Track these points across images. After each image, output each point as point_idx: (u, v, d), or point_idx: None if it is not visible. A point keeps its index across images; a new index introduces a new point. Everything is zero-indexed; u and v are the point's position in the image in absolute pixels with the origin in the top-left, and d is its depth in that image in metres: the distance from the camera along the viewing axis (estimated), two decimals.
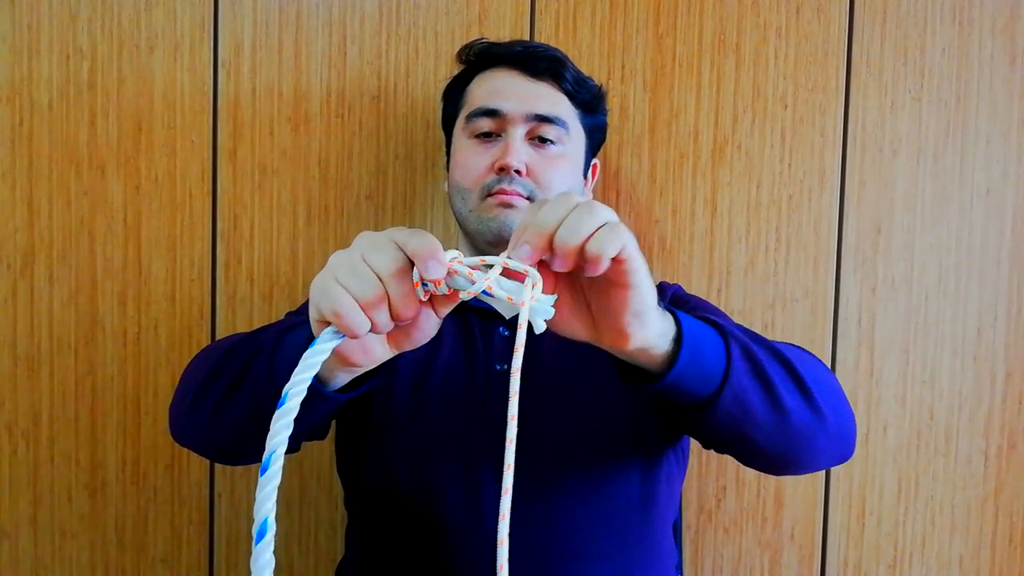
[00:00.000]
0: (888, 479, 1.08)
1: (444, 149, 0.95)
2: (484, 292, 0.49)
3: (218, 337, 1.08)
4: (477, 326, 0.85)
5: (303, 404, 0.61)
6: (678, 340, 0.57)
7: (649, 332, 0.54)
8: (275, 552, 1.18)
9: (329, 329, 0.50)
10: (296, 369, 0.47)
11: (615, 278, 0.51)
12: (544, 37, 1.07)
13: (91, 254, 1.07)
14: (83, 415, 1.08)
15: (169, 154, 1.07)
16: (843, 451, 0.70)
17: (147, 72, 1.06)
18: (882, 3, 1.06)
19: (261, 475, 0.44)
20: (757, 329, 1.07)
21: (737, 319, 1.07)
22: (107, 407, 1.08)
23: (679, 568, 0.95)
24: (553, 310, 0.49)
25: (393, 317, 0.51)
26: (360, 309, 0.49)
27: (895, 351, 1.07)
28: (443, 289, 0.50)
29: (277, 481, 0.44)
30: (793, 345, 0.71)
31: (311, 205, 1.08)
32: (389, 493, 0.82)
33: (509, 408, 0.47)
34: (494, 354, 0.83)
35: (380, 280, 0.49)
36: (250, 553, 1.18)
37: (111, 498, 1.09)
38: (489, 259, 0.50)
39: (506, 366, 0.83)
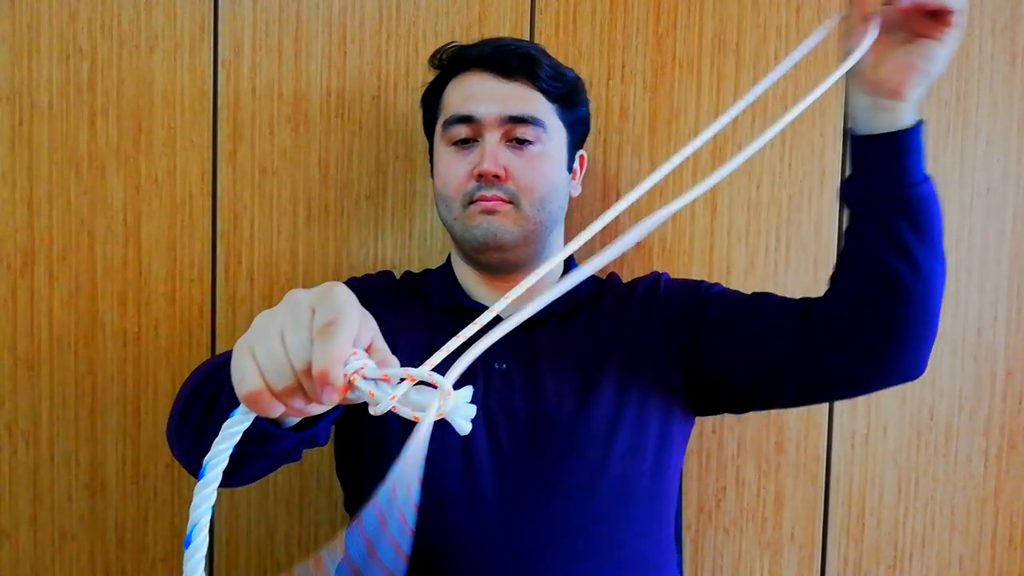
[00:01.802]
0: (888, 479, 1.08)
1: (428, 156, 0.95)
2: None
3: (218, 337, 1.08)
4: None
5: (263, 444, 0.60)
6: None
7: (920, 89, 0.70)
8: (275, 552, 1.17)
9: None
10: (216, 439, 0.46)
11: (935, 26, 0.66)
12: (544, 37, 1.06)
13: (91, 254, 1.07)
14: (83, 415, 1.08)
15: (169, 154, 1.07)
16: (924, 354, 0.79)
17: (147, 72, 1.06)
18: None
19: (186, 548, 0.43)
20: None
21: None
22: (107, 407, 1.08)
23: (679, 569, 0.95)
24: (473, 408, 0.45)
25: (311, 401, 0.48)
26: (272, 396, 0.46)
27: None
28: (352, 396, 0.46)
29: (202, 553, 0.42)
30: None
31: (311, 205, 1.08)
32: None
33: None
34: (493, 353, 0.83)
35: (294, 372, 0.45)
36: (250, 554, 1.19)
37: (111, 498, 1.09)
38: (392, 372, 0.45)
39: (505, 365, 0.83)
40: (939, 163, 1.07)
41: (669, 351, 0.86)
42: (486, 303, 0.88)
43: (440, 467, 0.79)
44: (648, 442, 0.83)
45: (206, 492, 0.44)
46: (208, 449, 0.62)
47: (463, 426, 0.46)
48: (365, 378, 0.44)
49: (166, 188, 1.07)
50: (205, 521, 0.44)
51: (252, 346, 0.46)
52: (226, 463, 0.45)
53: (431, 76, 0.93)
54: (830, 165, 1.07)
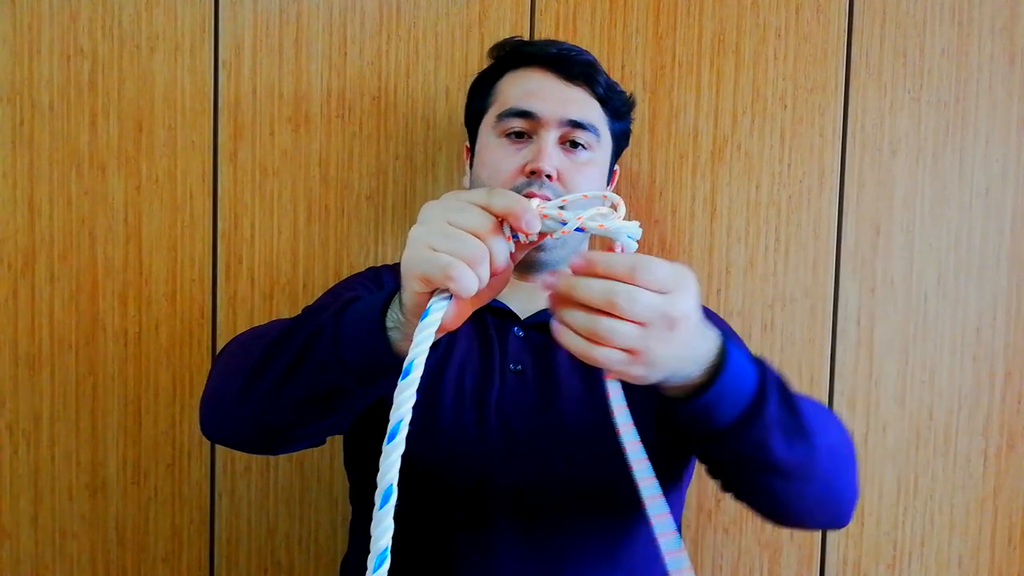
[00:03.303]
0: (887, 479, 1.08)
1: (467, 143, 0.94)
2: (577, 229, 0.53)
3: (219, 337, 1.08)
4: (493, 326, 0.85)
5: (339, 401, 0.63)
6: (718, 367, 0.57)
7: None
8: (276, 552, 1.18)
9: (435, 297, 0.52)
10: (414, 342, 0.50)
11: None
12: (544, 37, 1.07)
13: (92, 254, 1.07)
14: (84, 415, 1.08)
15: (170, 154, 1.07)
16: (835, 518, 0.70)
17: (148, 72, 1.07)
18: (881, 3, 1.06)
19: (387, 444, 0.47)
20: (756, 329, 1.07)
21: (737, 319, 1.07)
22: (107, 407, 1.08)
23: None
24: (640, 230, 0.54)
25: (492, 271, 0.53)
26: (469, 268, 0.51)
27: (894, 351, 1.07)
28: (533, 236, 0.54)
29: (402, 449, 0.47)
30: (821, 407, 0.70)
31: (311, 205, 1.08)
32: (400, 488, 0.81)
33: None
34: (509, 354, 0.83)
35: (479, 238, 0.51)
36: (250, 553, 1.19)
37: (112, 498, 1.09)
38: (568, 197, 0.55)
39: (520, 366, 0.83)
40: (939, 163, 1.07)
41: None
42: (506, 303, 0.87)
43: (454, 468, 0.79)
44: (660, 453, 0.83)
45: (407, 393, 0.48)
46: (294, 397, 0.65)
47: (631, 244, 0.53)
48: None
49: (167, 188, 1.07)
50: (407, 420, 0.48)
51: (425, 242, 0.51)
52: (425, 357, 0.49)
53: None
54: (829, 165, 1.07)
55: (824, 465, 0.63)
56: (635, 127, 1.07)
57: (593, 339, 0.52)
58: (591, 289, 0.51)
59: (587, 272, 0.52)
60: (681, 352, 0.54)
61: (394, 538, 0.82)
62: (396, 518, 0.81)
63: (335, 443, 1.02)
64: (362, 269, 1.08)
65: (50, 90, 1.06)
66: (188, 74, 1.07)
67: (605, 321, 0.51)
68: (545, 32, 1.07)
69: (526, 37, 1.07)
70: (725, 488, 0.72)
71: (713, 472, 0.70)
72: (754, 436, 0.59)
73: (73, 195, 1.07)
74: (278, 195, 1.08)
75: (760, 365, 0.60)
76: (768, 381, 0.59)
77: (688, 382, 0.57)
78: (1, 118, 1.06)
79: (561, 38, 1.06)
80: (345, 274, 1.07)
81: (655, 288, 0.51)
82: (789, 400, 0.60)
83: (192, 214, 1.08)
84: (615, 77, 1.06)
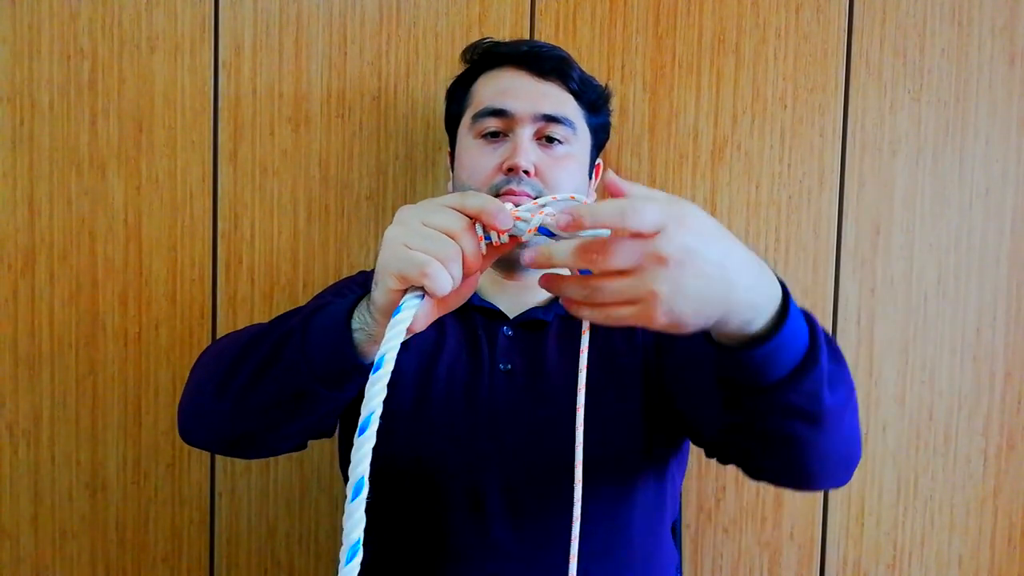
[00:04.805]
0: (887, 479, 1.08)
1: (448, 149, 0.95)
2: (542, 231, 0.53)
3: (219, 337, 1.08)
4: (481, 326, 0.85)
5: (311, 404, 0.63)
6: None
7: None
8: (276, 552, 1.18)
9: (408, 295, 0.53)
10: (385, 338, 0.50)
11: None
12: (544, 37, 1.07)
13: (92, 254, 1.07)
14: (84, 415, 1.08)
15: (170, 154, 1.07)
16: (844, 472, 0.68)
17: (148, 72, 1.07)
18: (881, 3, 1.06)
19: (359, 436, 0.47)
20: None
21: None
22: (108, 407, 1.08)
23: (679, 569, 0.95)
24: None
25: (464, 271, 0.54)
26: (443, 267, 0.52)
27: (894, 351, 1.07)
28: (505, 237, 0.55)
29: (372, 442, 0.47)
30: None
31: (311, 205, 1.08)
32: (392, 490, 0.82)
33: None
34: (499, 354, 0.83)
35: (452, 238, 0.52)
36: (250, 553, 1.19)
37: (112, 498, 1.09)
38: (540, 200, 0.55)
39: (510, 366, 0.83)
40: (938, 163, 1.07)
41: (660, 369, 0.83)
42: (494, 302, 0.88)
43: (445, 467, 0.80)
44: (650, 450, 0.83)
45: (378, 387, 0.48)
46: (263, 400, 0.66)
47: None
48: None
49: (167, 188, 1.07)
50: (378, 413, 0.48)
51: (400, 241, 0.53)
52: (394, 361, 0.49)
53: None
54: (829, 165, 1.07)
55: (851, 414, 0.61)
56: (635, 127, 1.07)
57: (595, 303, 0.49)
58: (566, 254, 0.49)
59: (575, 228, 0.48)
60: (706, 289, 0.48)
61: (391, 533, 0.82)
62: (392, 514, 0.82)
63: (334, 442, 1.02)
64: (362, 269, 1.08)
65: (50, 90, 1.06)
66: (188, 74, 1.07)
67: (593, 283, 0.49)
68: (546, 33, 1.07)
69: (526, 37, 1.07)
70: (726, 455, 0.70)
71: (730, 432, 0.64)
72: (808, 386, 0.55)
73: (73, 195, 1.07)
74: (278, 195, 1.08)
75: (805, 312, 0.58)
76: (817, 329, 0.56)
77: (744, 331, 0.52)
78: (1, 118, 1.06)
79: (561, 38, 1.06)
80: (345, 274, 1.07)
81: (649, 231, 0.46)
82: (832, 346, 0.59)
83: (192, 214, 1.07)
84: (615, 77, 1.07)
